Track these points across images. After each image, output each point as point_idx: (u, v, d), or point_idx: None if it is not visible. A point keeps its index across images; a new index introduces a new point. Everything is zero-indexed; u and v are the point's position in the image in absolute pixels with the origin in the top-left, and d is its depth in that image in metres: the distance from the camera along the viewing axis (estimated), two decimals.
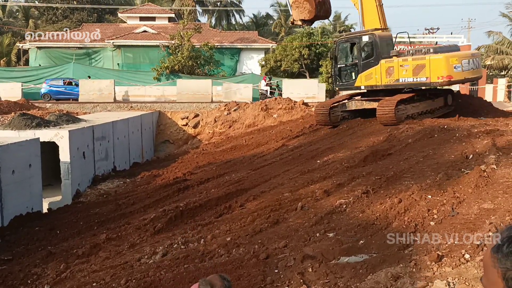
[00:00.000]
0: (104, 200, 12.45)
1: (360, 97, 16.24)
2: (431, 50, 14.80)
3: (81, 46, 36.99)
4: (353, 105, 16.47)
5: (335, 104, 16.56)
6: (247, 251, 6.07)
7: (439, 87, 16.06)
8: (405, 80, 14.89)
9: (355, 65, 15.95)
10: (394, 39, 16.15)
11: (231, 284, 2.53)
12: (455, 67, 14.41)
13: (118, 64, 37.29)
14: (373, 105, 14.70)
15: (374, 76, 15.39)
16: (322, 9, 16.37)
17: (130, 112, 22.32)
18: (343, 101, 16.73)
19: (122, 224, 9.33)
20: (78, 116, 18.24)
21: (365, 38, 15.81)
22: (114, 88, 26.36)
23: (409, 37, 21.50)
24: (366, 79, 15.55)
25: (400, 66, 14.85)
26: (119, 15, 44.15)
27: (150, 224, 8.58)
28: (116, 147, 17.07)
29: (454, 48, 15.82)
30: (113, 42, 36.56)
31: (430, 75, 14.37)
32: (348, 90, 17.12)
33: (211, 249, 6.42)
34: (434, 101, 15.96)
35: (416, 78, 14.63)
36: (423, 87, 15.51)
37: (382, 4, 15.94)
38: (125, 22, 42.60)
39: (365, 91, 15.82)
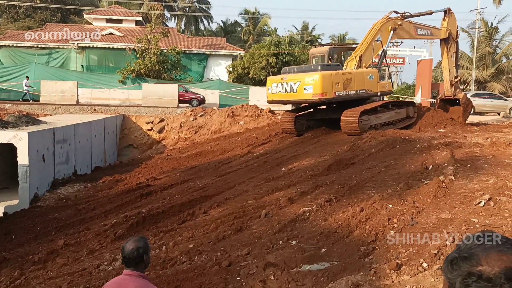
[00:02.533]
0: (63, 204, 12.09)
1: (325, 106, 16.49)
2: (298, 69, 15.73)
3: (44, 46, 36.01)
4: (318, 114, 16.73)
5: (301, 113, 16.76)
6: (209, 258, 6.02)
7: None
8: None
9: None
10: (328, 54, 16.46)
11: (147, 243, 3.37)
12: (268, 89, 15.85)
13: (82, 66, 36.50)
14: (338, 115, 14.94)
15: None
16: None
17: (93, 115, 21.84)
18: (309, 110, 16.95)
19: (82, 229, 9.08)
20: (38, 118, 17.70)
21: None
22: (78, 90, 25.75)
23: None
24: None
25: None
26: (85, 16, 43.26)
27: (111, 230, 8.39)
28: (78, 150, 16.64)
29: (333, 67, 15.27)
30: (77, 44, 35.77)
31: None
32: None
33: (172, 256, 6.33)
34: (396, 113, 16.37)
35: None
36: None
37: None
38: (90, 23, 41.78)
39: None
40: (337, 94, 14.56)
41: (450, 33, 18.44)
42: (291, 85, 14.84)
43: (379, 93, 16.18)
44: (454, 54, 18.91)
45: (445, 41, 18.63)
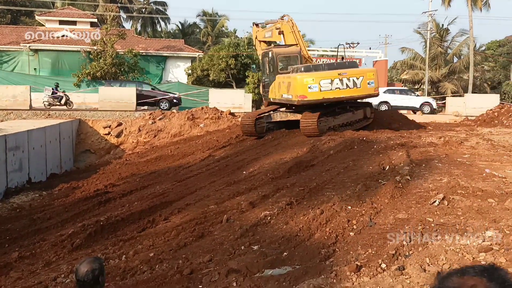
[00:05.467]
0: (17, 214, 11.65)
1: (284, 108, 16.61)
2: (301, 68, 15.12)
3: None
4: (278, 116, 16.84)
5: (261, 115, 16.83)
6: (170, 266, 5.95)
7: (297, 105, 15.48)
8: (283, 96, 15.42)
9: (269, 78, 17.03)
10: (299, 55, 16.39)
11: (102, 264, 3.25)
12: (309, 87, 14.47)
13: (35, 69, 35.28)
14: (297, 116, 15.08)
15: (273, 90, 16.39)
16: None
17: (47, 120, 21.16)
18: (269, 112, 17.03)
19: (37, 240, 8.77)
20: None
21: (270, 54, 16.83)
22: (30, 95, 24.84)
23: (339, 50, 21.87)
24: (271, 92, 16.57)
25: (282, 82, 15.54)
26: (37, 17, 41.85)
27: (68, 240, 8.14)
28: (32, 157, 16.08)
29: (351, 64, 15.62)
30: (29, 46, 34.56)
31: (293, 93, 14.73)
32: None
33: (133, 265, 6.21)
34: (354, 114, 16.69)
35: (287, 95, 15.11)
36: (292, 104, 15.57)
37: (299, 30, 17.13)
38: (43, 25, 40.44)
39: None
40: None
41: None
42: (353, 80, 14.56)
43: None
44: None
45: None
